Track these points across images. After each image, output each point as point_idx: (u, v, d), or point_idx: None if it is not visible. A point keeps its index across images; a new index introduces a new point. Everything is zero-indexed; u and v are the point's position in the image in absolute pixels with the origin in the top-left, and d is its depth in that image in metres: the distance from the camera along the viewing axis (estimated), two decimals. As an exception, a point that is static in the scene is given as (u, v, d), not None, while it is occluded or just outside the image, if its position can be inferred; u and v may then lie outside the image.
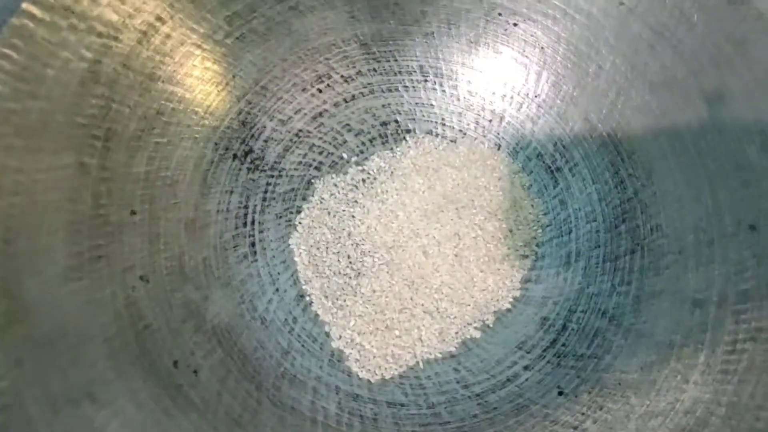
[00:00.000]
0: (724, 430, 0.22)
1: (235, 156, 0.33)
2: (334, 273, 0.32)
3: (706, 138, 0.29)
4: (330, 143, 0.35)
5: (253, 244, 0.32)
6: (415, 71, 0.36)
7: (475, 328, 0.31)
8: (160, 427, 0.23)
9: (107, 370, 0.23)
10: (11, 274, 0.21)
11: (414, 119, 0.36)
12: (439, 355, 0.30)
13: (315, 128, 0.35)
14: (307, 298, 0.31)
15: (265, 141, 0.34)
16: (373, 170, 0.35)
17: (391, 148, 0.35)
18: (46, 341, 0.21)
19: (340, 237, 0.33)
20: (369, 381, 0.29)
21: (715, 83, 0.29)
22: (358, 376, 0.29)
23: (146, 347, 0.25)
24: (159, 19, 0.29)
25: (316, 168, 0.35)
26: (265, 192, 0.34)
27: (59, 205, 0.24)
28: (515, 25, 0.35)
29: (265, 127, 0.34)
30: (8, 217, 0.22)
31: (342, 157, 0.35)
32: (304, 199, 0.34)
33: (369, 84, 0.36)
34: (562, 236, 0.33)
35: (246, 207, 0.33)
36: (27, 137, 0.23)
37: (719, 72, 0.29)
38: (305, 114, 0.35)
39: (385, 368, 0.30)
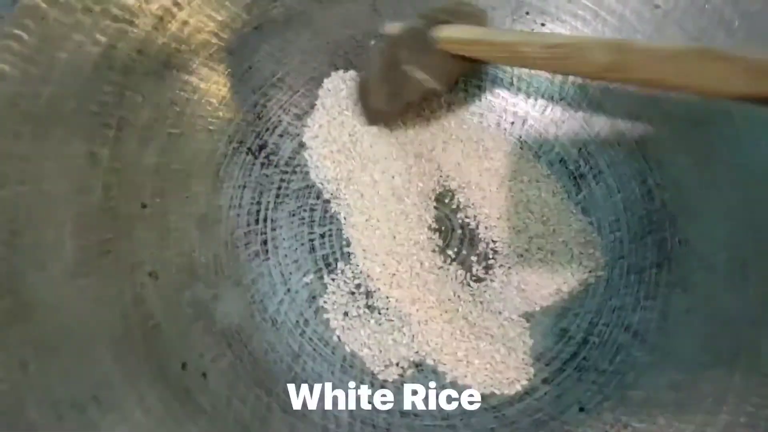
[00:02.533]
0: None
1: (248, 150, 0.32)
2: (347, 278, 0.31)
3: (741, 149, 0.28)
4: (346, 140, 0.34)
5: (265, 242, 0.31)
6: (436, 69, 0.35)
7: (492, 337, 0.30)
8: (167, 435, 0.22)
9: (114, 372, 0.22)
10: (16, 268, 0.20)
11: (434, 118, 0.35)
12: (455, 365, 0.29)
13: (332, 124, 0.34)
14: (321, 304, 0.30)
15: (280, 135, 0.33)
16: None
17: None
18: (51, 341, 0.20)
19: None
20: (382, 387, 0.28)
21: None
22: (371, 382, 0.28)
23: (154, 348, 0.24)
24: (176, 4, 0.28)
25: (331, 165, 0.34)
26: (279, 188, 0.32)
27: (67, 196, 0.23)
28: (543, 25, 0.34)
29: (280, 120, 0.33)
30: (14, 207, 0.21)
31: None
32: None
33: (389, 80, 0.35)
34: (583, 245, 0.32)
35: (259, 203, 0.32)
36: (35, 123, 0.22)
37: (757, 81, 0.27)
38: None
39: (396, 374, 0.29)
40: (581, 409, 0.27)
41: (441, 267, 0.31)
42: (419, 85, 0.29)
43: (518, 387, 0.28)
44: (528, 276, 0.31)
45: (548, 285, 0.30)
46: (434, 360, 0.29)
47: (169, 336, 0.25)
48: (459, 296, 0.30)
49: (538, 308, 0.30)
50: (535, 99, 0.34)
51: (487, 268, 0.31)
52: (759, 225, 0.26)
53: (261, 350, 0.28)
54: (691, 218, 0.29)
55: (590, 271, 0.30)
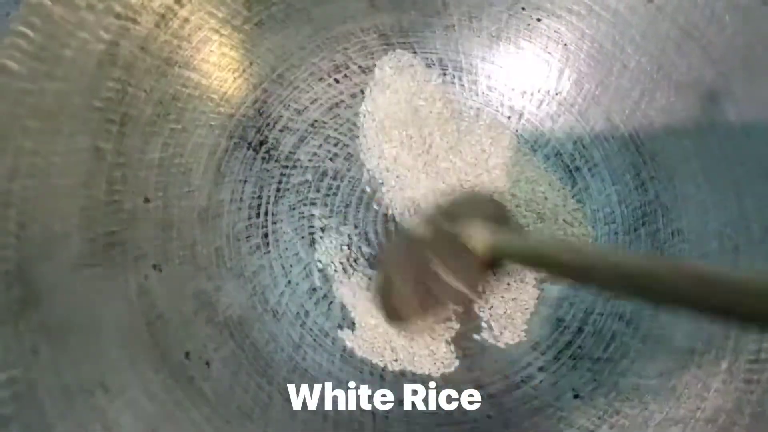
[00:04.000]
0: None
1: (249, 145, 0.33)
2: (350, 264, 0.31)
3: (733, 141, 0.28)
4: (346, 135, 0.35)
5: (266, 236, 0.32)
6: (434, 64, 0.36)
7: (490, 327, 0.30)
8: (172, 421, 0.22)
9: (120, 359, 0.22)
10: (26, 259, 0.21)
11: (432, 113, 0.35)
12: (453, 355, 0.30)
13: (331, 119, 0.35)
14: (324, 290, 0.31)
15: (281, 131, 0.34)
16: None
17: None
18: (60, 329, 0.21)
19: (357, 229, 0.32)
20: (381, 377, 0.29)
21: (744, 86, 0.28)
22: (370, 372, 0.29)
23: (158, 338, 0.24)
24: (178, 2, 0.29)
25: (330, 160, 0.34)
26: (279, 183, 0.33)
27: (74, 189, 0.24)
28: (539, 20, 0.34)
29: (280, 116, 0.34)
30: (23, 200, 0.21)
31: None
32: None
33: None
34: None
35: (260, 197, 0.32)
36: (43, 119, 0.23)
37: (749, 75, 0.28)
38: (321, 104, 0.35)
39: (392, 361, 0.29)
40: (576, 396, 0.27)
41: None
42: (451, 290, 0.26)
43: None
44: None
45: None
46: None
47: (172, 326, 0.25)
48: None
49: (535, 300, 0.31)
50: (531, 94, 0.35)
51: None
52: (749, 215, 0.27)
53: (262, 340, 0.29)
54: (684, 209, 0.29)
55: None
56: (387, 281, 0.28)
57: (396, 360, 0.29)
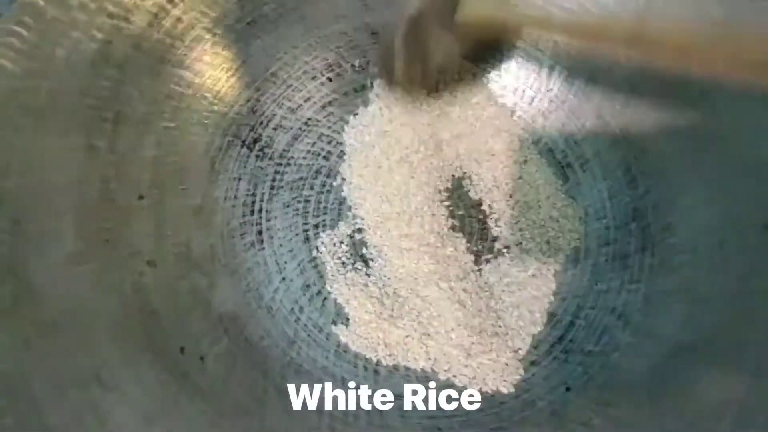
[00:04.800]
0: (738, 428, 0.22)
1: (243, 143, 0.33)
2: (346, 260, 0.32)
3: (722, 137, 0.28)
4: (339, 132, 0.35)
5: (260, 233, 0.32)
6: (427, 62, 0.36)
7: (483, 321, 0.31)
8: (167, 414, 0.22)
9: (114, 354, 0.22)
10: (19, 255, 0.21)
11: (424, 111, 0.36)
12: (446, 348, 0.30)
13: (324, 117, 0.35)
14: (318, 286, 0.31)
15: (274, 129, 0.34)
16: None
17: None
18: (54, 324, 0.21)
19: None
20: (375, 372, 0.29)
21: (733, 80, 0.28)
22: (364, 367, 0.29)
23: (153, 333, 0.25)
24: (170, 1, 0.29)
25: (324, 157, 0.34)
26: (273, 180, 0.33)
27: (67, 187, 0.24)
28: (530, 17, 0.34)
29: (274, 114, 0.34)
30: (16, 197, 0.22)
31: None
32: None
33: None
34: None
35: (254, 195, 0.33)
36: (36, 117, 0.23)
37: (737, 70, 0.28)
38: (315, 102, 0.35)
39: (387, 356, 0.30)
40: (567, 389, 0.28)
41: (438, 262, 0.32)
42: (448, 48, 0.29)
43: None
44: (521, 263, 0.32)
45: (540, 272, 0.31)
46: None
47: (167, 322, 0.26)
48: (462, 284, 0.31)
49: (529, 295, 0.31)
50: (523, 90, 0.35)
51: (478, 255, 0.32)
52: (738, 209, 0.27)
53: (257, 336, 0.29)
54: (674, 204, 0.30)
55: (576, 258, 0.31)
56: (387, 50, 0.30)
57: (390, 355, 0.30)
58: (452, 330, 0.29)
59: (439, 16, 0.29)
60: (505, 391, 0.28)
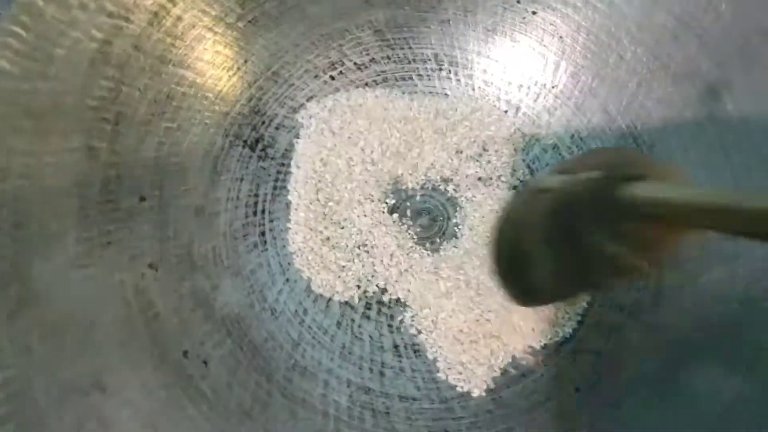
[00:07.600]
0: (751, 426, 0.21)
1: (245, 143, 0.33)
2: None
3: (730, 131, 0.28)
4: (342, 132, 0.35)
5: (263, 234, 0.32)
6: (429, 59, 0.35)
7: (488, 320, 0.30)
8: (170, 419, 0.22)
9: (117, 358, 0.22)
10: (21, 258, 0.21)
11: (428, 109, 0.35)
12: (452, 348, 0.30)
13: (327, 116, 0.34)
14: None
15: (276, 128, 0.34)
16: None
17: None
18: (55, 328, 0.21)
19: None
20: (381, 374, 0.29)
21: (741, 75, 0.28)
22: (369, 368, 0.29)
23: (156, 336, 0.24)
24: (170, 0, 0.28)
25: (327, 157, 0.34)
26: (276, 180, 0.33)
27: (68, 189, 0.24)
28: (534, 13, 0.34)
29: (276, 114, 0.34)
30: (17, 200, 0.21)
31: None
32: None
33: (383, 72, 0.35)
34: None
35: (256, 195, 0.32)
36: (36, 119, 0.23)
37: (746, 64, 0.28)
38: (317, 101, 0.34)
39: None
40: (576, 390, 0.27)
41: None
42: (611, 262, 0.19)
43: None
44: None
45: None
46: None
47: (170, 324, 0.25)
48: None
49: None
50: (528, 87, 0.35)
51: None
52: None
53: (261, 338, 0.29)
54: (683, 200, 0.29)
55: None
56: (514, 252, 0.21)
57: (396, 356, 0.29)
58: (460, 330, 0.29)
59: (596, 208, 0.19)
60: (511, 392, 0.28)
